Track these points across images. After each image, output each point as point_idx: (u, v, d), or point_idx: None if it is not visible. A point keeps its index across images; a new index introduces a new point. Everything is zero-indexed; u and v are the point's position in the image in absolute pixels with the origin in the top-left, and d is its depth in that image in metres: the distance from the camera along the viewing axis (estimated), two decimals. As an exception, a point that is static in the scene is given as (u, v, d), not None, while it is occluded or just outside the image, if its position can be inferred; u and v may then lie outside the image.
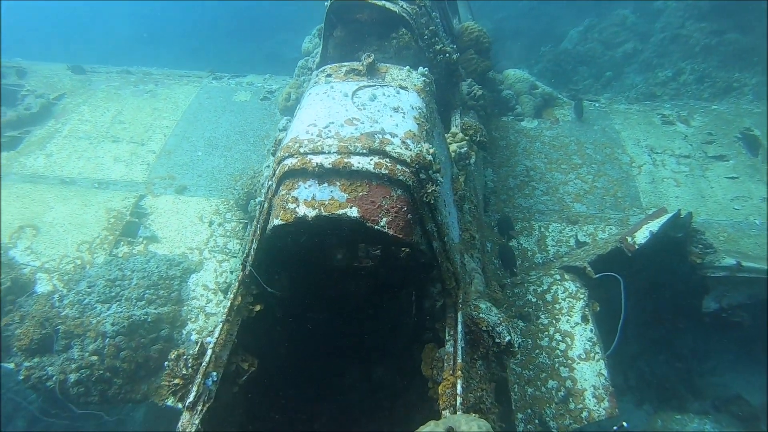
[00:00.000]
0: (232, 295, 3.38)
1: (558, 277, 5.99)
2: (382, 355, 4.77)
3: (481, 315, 3.37)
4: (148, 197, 6.96)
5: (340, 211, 2.74)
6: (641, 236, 5.63)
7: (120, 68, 9.13)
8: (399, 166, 2.81)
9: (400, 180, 2.80)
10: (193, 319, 5.83)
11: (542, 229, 6.73)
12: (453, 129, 4.81)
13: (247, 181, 6.78)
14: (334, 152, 2.83)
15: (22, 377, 5.42)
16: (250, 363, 3.37)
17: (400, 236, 2.76)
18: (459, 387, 2.90)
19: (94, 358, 5.32)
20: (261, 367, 3.68)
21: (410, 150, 2.87)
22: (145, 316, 5.60)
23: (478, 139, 5.12)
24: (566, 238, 6.64)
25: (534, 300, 5.88)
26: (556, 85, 13.52)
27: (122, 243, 6.48)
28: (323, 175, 2.82)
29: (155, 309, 5.74)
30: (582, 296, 5.73)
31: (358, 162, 2.79)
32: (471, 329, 3.35)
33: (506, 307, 5.90)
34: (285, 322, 3.99)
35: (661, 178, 7.39)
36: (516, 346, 3.29)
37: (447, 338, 3.23)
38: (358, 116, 3.06)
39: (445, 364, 3.10)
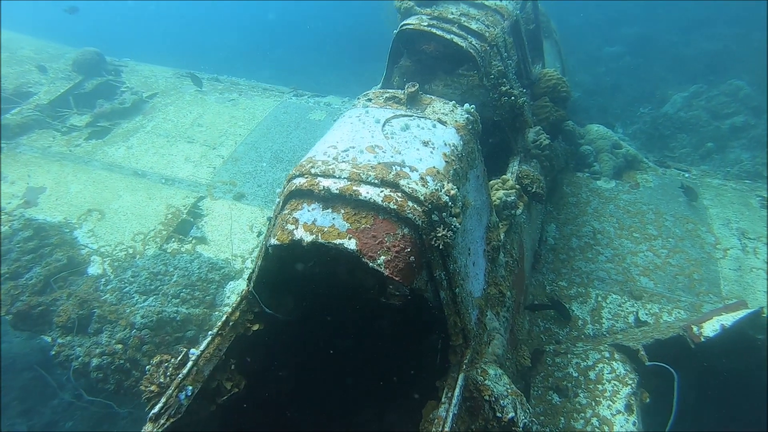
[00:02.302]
0: (229, 310, 3.26)
1: (607, 354, 5.39)
2: (398, 399, 4.45)
3: (486, 382, 3.00)
4: (207, 199, 7.17)
5: (337, 241, 2.54)
6: (710, 328, 4.95)
7: (211, 75, 9.65)
8: (410, 203, 2.58)
9: (408, 218, 2.56)
10: (220, 326, 5.80)
11: (599, 299, 6.12)
12: (506, 176, 4.50)
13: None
14: (344, 178, 2.65)
15: (53, 353, 5.64)
16: (236, 383, 3.20)
17: (397, 278, 2.50)
18: (439, 460, 2.55)
19: (119, 346, 5.42)
20: (254, 389, 3.52)
21: (427, 187, 2.64)
22: (175, 315, 5.66)
23: (533, 190, 4.75)
24: (625, 313, 5.99)
25: (575, 375, 5.30)
26: (650, 148, 12.70)
27: (173, 239, 6.67)
28: (329, 200, 2.65)
29: (187, 309, 5.79)
30: (630, 382, 5.10)
31: (367, 192, 2.59)
32: (473, 395, 2.99)
33: (544, 376, 5.39)
34: (289, 347, 3.81)
35: (749, 268, 6.52)
36: (520, 426, 2.88)
37: (443, 400, 2.90)
38: (381, 144, 2.88)
39: (434, 429, 2.76)
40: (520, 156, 5.07)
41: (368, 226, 2.56)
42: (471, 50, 4.62)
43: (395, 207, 2.56)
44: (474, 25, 4.83)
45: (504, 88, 4.76)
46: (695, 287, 6.27)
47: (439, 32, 4.65)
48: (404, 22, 4.83)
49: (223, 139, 8.11)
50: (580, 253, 6.61)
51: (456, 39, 4.64)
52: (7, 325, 8.58)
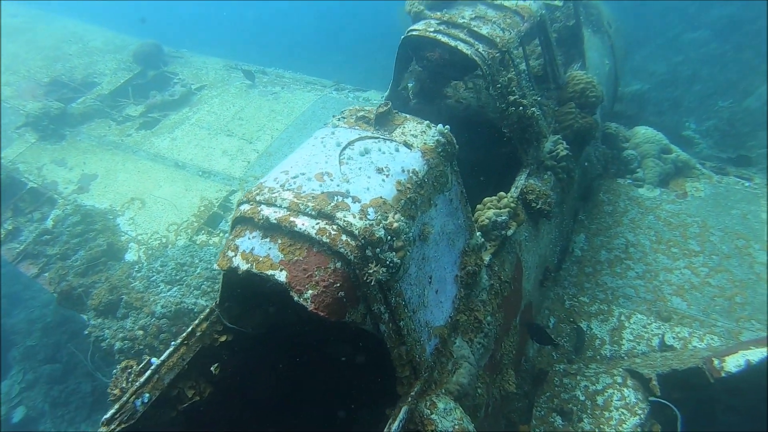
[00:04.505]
0: (197, 320, 3.39)
1: (619, 380, 5.09)
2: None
3: (432, 416, 2.94)
4: (238, 193, 7.43)
5: (269, 272, 2.56)
6: (733, 363, 4.51)
7: (258, 68, 9.88)
8: (344, 237, 2.54)
9: (340, 252, 2.53)
10: (237, 319, 6.05)
11: (622, 318, 5.76)
12: (504, 192, 4.30)
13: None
14: (284, 207, 2.66)
15: (86, 332, 6.13)
16: (199, 391, 3.34)
17: (322, 314, 2.49)
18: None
19: (140, 332, 5.80)
20: (227, 400, 3.67)
21: (365, 220, 2.58)
22: (193, 306, 5.95)
23: (538, 206, 4.51)
24: (650, 335, 5.60)
25: (582, 398, 5.06)
26: (723, 147, 11.63)
27: (203, 232, 6.99)
28: (268, 229, 2.67)
29: (205, 301, 6.07)
30: (640, 412, 4.79)
31: (303, 223, 2.58)
32: (417, 429, 2.94)
33: (549, 396, 5.19)
34: (262, 361, 3.91)
35: (807, 293, 5.87)
36: (460, 466, 2.80)
37: (385, 431, 2.87)
38: (332, 171, 2.85)
39: (370, 461, 2.75)
40: (530, 168, 4.82)
41: (300, 258, 2.55)
42: (476, 57, 4.42)
43: (328, 240, 2.53)
44: (485, 30, 4.60)
45: (512, 98, 4.52)
46: (736, 311, 5.74)
47: (444, 39, 4.48)
48: (411, 27, 4.69)
49: (261, 133, 8.34)
50: (607, 267, 6.23)
51: (461, 46, 4.45)
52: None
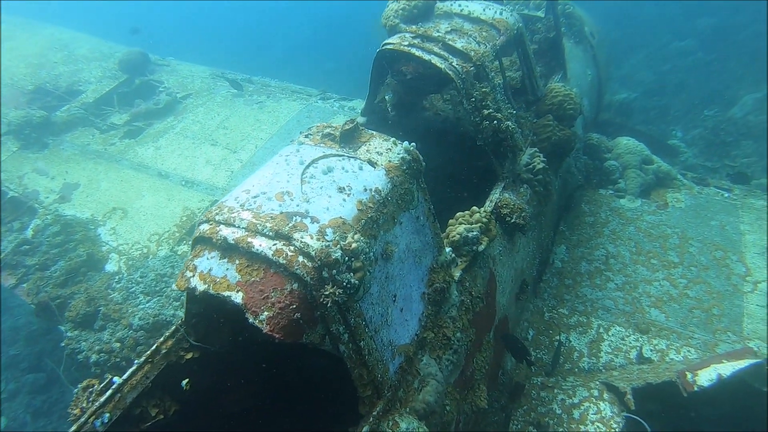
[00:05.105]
0: (162, 338, 3.37)
1: (596, 393, 5.09)
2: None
3: (394, 436, 2.92)
4: (219, 203, 7.39)
5: (226, 293, 2.55)
6: (705, 377, 4.53)
7: (244, 77, 9.86)
8: (301, 258, 2.53)
9: (297, 273, 2.52)
10: (216, 331, 6.01)
11: (601, 330, 5.77)
12: (478, 206, 4.29)
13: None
14: (242, 227, 2.64)
15: (63, 344, 6.08)
16: (163, 410, 3.32)
17: (278, 336, 2.48)
18: None
19: (117, 345, 5.76)
20: (197, 416, 3.64)
21: (322, 241, 2.58)
22: (171, 318, 5.92)
23: (513, 220, 4.51)
24: (628, 347, 5.61)
25: (559, 412, 5.06)
26: (708, 156, 11.71)
27: (184, 242, 6.96)
28: (226, 249, 2.65)
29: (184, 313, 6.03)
30: (615, 426, 4.79)
31: (260, 244, 2.57)
32: (380, 449, 2.92)
33: (527, 410, 5.19)
34: (233, 376, 3.88)
35: (783, 304, 5.90)
36: (420, 488, 2.79)
37: (347, 451, 2.86)
38: (293, 191, 2.84)
39: (330, 483, 2.74)
40: (506, 182, 4.83)
41: (257, 279, 2.54)
42: (450, 72, 4.43)
43: (284, 262, 2.52)
44: (459, 44, 4.62)
45: (486, 112, 4.53)
46: (713, 323, 5.76)
47: (417, 52, 4.49)
48: (386, 41, 4.70)
49: (245, 142, 8.33)
50: (587, 279, 6.24)
51: (435, 60, 4.45)
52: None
